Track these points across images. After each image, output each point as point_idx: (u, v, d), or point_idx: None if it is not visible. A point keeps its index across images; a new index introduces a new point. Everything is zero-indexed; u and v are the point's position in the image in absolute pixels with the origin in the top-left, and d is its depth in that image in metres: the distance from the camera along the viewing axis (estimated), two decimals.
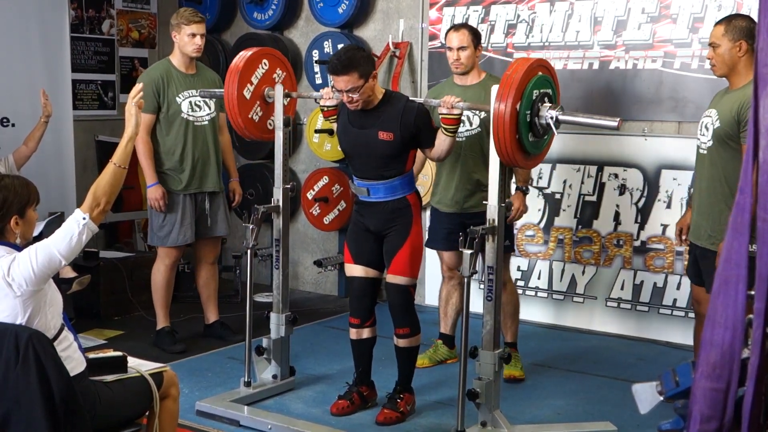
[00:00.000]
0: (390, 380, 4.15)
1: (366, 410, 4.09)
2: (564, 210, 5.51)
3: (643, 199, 5.25)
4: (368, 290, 4.04)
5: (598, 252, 5.40)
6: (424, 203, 4.65)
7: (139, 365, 3.06)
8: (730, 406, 1.42)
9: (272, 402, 4.19)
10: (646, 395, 1.61)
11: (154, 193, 4.81)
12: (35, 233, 3.95)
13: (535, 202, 5.54)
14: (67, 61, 5.95)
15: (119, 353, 3.04)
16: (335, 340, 5.26)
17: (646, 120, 5.19)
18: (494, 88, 3.56)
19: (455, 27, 4.44)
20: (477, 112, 4.28)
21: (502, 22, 5.61)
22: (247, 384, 4.17)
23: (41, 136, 5.13)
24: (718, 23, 3.77)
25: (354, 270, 4.05)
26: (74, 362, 2.76)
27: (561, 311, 5.54)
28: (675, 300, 5.12)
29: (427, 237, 4.70)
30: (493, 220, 3.60)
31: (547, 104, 3.46)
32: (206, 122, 4.94)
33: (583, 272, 5.47)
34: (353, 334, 4.09)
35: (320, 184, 6.13)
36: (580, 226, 5.47)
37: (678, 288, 5.10)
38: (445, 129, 3.78)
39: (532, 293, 5.58)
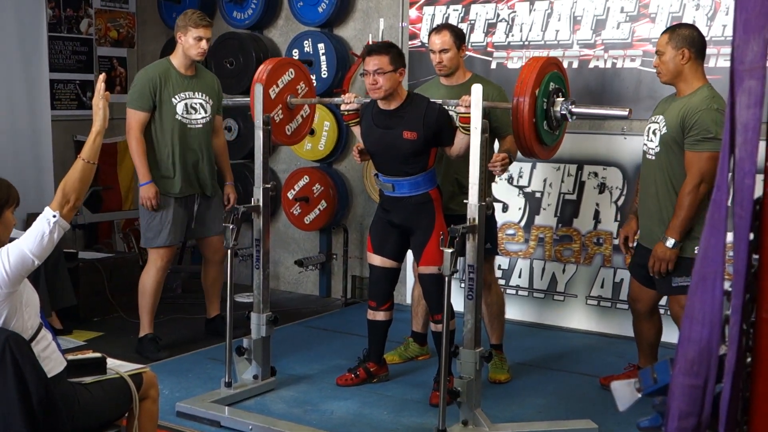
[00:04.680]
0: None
1: (371, 384, 4.40)
2: (544, 209, 5.52)
3: (622, 198, 5.28)
4: (383, 278, 4.31)
5: (579, 250, 5.42)
6: None
7: (118, 366, 3.04)
8: (707, 403, 1.42)
9: (253, 402, 4.18)
10: (625, 392, 1.61)
11: (147, 192, 4.75)
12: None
13: (515, 201, 5.56)
14: (44, 60, 5.91)
15: (98, 354, 3.02)
16: (316, 340, 5.26)
17: (625, 119, 5.21)
18: (475, 87, 3.60)
19: (436, 29, 4.39)
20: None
21: (482, 21, 5.62)
22: (228, 384, 4.16)
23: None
24: (663, 32, 3.93)
25: (374, 259, 4.31)
26: (53, 363, 2.74)
27: (541, 310, 5.55)
28: None
29: None
30: (474, 219, 3.61)
31: (561, 98, 3.66)
32: (200, 125, 4.88)
33: (564, 270, 5.49)
34: (369, 314, 4.36)
35: (301, 183, 6.12)
36: (560, 225, 5.49)
37: None
38: (462, 127, 3.87)
39: (513, 292, 5.60)
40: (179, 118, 4.81)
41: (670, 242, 3.80)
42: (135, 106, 4.76)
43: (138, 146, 4.74)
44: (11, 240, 2.73)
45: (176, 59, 4.83)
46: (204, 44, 4.74)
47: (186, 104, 4.82)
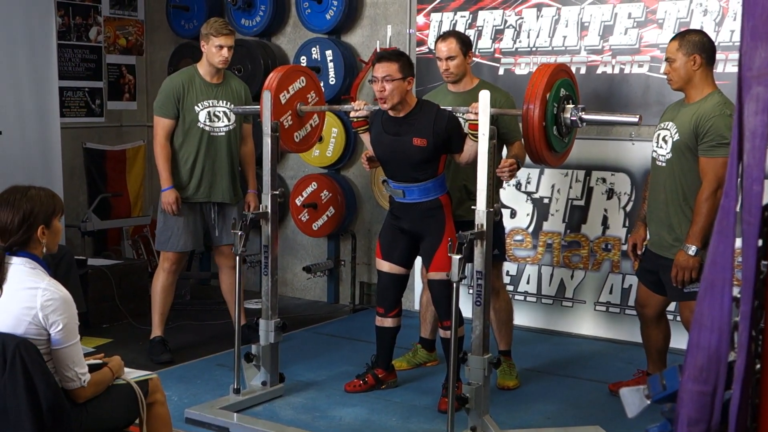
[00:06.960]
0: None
1: (379, 390, 4.41)
2: (552, 215, 5.52)
3: (630, 203, 5.27)
4: (391, 284, 4.32)
5: (587, 256, 5.41)
6: None
7: (125, 373, 3.04)
8: (717, 410, 1.42)
9: (262, 409, 4.18)
10: (634, 399, 1.61)
11: (167, 197, 4.81)
12: None
13: (523, 207, 5.56)
14: (54, 68, 5.93)
15: (99, 361, 3.02)
16: (325, 347, 5.26)
17: (635, 125, 5.20)
18: (482, 93, 3.59)
19: (443, 36, 4.40)
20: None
21: (489, 27, 5.62)
22: (237, 391, 4.16)
23: None
24: (672, 39, 3.90)
25: (382, 265, 4.31)
26: None
27: (550, 316, 5.54)
28: None
29: None
30: (482, 225, 3.61)
31: (570, 105, 3.64)
32: (223, 133, 4.91)
33: (572, 276, 5.48)
34: (377, 321, 4.37)
35: (309, 190, 6.13)
36: (568, 231, 5.48)
37: None
38: (472, 134, 3.86)
39: (521, 298, 5.59)
40: (201, 125, 4.85)
41: (693, 250, 3.74)
42: (159, 113, 4.86)
43: (162, 152, 4.82)
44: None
45: (202, 67, 4.90)
46: (225, 52, 4.79)
47: (209, 112, 4.86)
